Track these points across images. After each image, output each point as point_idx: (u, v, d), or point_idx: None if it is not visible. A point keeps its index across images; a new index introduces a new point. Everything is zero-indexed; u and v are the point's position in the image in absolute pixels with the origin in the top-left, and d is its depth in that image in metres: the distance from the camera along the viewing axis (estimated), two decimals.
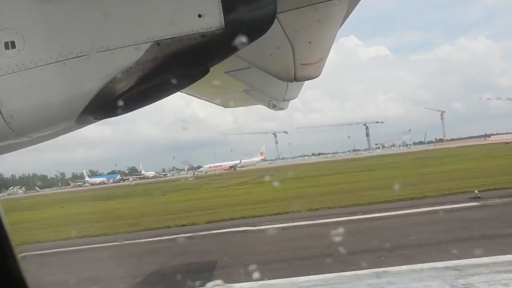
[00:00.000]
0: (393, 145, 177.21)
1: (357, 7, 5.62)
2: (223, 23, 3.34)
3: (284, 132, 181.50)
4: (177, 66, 3.64)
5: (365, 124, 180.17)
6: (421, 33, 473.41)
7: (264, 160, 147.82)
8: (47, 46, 3.57)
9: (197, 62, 3.71)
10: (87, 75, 3.61)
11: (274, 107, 9.80)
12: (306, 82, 8.16)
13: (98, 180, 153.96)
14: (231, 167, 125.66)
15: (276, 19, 3.91)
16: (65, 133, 4.27)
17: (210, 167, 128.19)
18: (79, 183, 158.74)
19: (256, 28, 3.57)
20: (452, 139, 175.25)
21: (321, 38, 5.52)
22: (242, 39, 3.59)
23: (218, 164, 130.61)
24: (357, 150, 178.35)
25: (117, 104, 3.62)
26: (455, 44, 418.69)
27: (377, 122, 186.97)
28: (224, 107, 11.39)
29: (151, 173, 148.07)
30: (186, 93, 7.97)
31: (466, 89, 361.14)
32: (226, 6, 3.33)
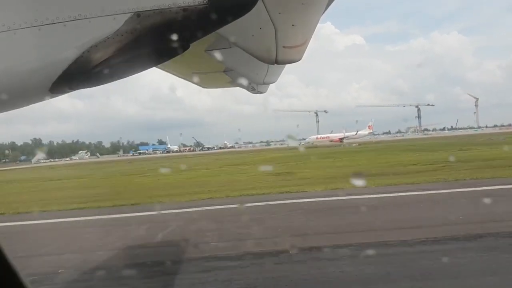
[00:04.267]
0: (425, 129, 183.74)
1: None
2: None
3: (325, 111, 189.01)
4: (157, 39, 3.55)
5: (417, 106, 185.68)
6: (398, 24, 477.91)
7: (372, 134, 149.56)
8: (21, 9, 3.42)
9: (177, 37, 3.63)
10: (63, 43, 3.49)
11: (253, 90, 9.71)
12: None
13: (175, 148, 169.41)
14: (340, 139, 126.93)
15: None
16: (37, 102, 4.14)
17: (317, 138, 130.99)
18: (158, 150, 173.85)
19: (240, 6, 3.51)
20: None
21: (305, 22, 5.46)
22: (225, 16, 3.53)
23: (325, 135, 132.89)
24: (426, 130, 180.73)
25: (93, 75, 3.52)
26: (428, 38, 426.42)
27: (428, 104, 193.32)
28: (202, 87, 11.21)
29: (229, 144, 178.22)
30: (163, 70, 7.80)
31: (438, 82, 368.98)
32: None
